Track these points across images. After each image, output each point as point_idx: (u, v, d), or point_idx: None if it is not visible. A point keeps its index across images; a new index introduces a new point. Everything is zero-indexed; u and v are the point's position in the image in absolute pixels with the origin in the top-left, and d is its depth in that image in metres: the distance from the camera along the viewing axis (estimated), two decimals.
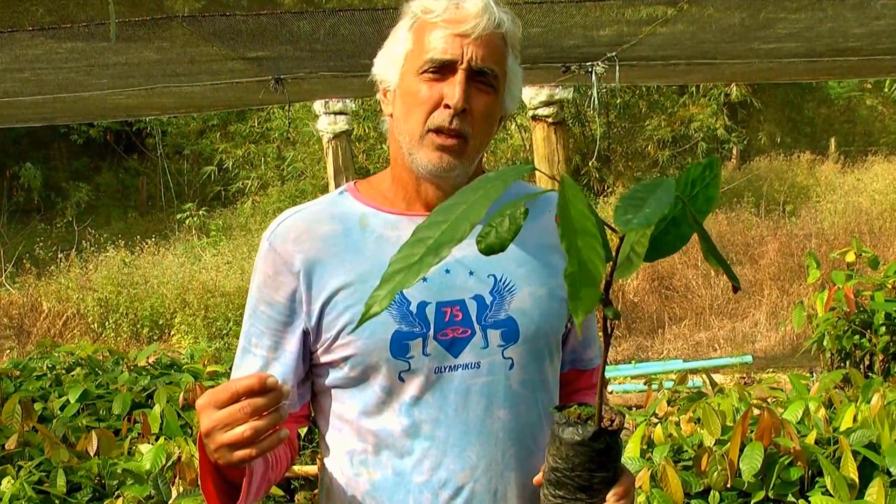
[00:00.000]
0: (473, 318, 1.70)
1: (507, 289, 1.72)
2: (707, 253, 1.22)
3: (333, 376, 1.74)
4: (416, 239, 1.08)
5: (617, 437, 1.50)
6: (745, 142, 19.16)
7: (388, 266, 1.09)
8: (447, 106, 1.65)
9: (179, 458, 3.46)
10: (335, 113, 7.72)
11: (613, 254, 1.29)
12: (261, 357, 1.76)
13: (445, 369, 1.68)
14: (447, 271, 1.70)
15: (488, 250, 1.16)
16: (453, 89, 1.64)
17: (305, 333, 1.73)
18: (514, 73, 1.75)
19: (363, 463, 1.73)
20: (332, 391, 1.76)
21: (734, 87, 16.65)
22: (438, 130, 1.66)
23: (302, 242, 1.72)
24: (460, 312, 1.69)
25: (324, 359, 1.74)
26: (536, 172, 7.64)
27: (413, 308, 1.68)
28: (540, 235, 1.75)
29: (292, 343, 1.74)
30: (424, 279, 1.69)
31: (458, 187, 1.65)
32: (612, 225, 1.25)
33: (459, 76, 1.65)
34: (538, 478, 1.65)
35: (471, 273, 1.71)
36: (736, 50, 5.71)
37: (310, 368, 1.79)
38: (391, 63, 1.74)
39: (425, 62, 1.66)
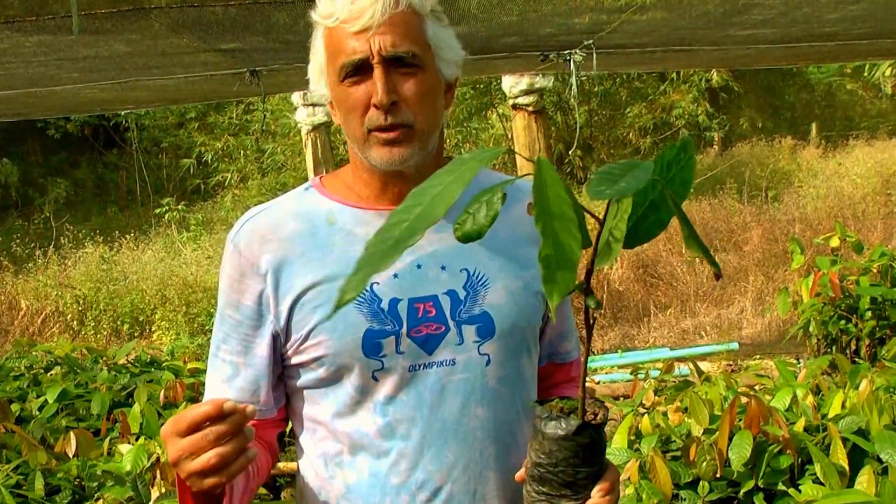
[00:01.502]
0: (447, 314, 1.65)
1: (480, 283, 1.68)
2: (688, 239, 1.19)
3: (305, 378, 1.69)
4: (390, 223, 1.05)
5: (601, 430, 1.46)
6: (727, 128, 19.20)
7: (364, 250, 1.05)
8: (376, 106, 1.59)
9: (159, 458, 3.40)
10: (313, 104, 7.65)
11: (593, 241, 1.25)
12: (230, 363, 1.72)
13: (420, 367, 1.64)
14: (418, 266, 1.66)
15: (466, 238, 1.13)
16: (374, 88, 1.59)
17: (275, 336, 1.69)
18: (439, 38, 1.67)
19: (338, 465, 1.69)
20: (304, 392, 1.72)
21: (714, 73, 16.67)
22: (378, 129, 1.61)
23: (267, 242, 1.67)
24: (433, 308, 1.65)
25: (294, 360, 1.69)
26: (518, 159, 7.60)
27: (384, 305, 1.63)
28: (512, 227, 1.70)
29: (262, 347, 1.70)
30: (395, 275, 1.65)
31: (425, 174, 1.59)
32: (592, 210, 1.21)
33: (377, 72, 1.59)
34: (520, 474, 1.60)
35: (443, 268, 1.67)
36: (712, 36, 5.71)
37: (281, 371, 1.74)
38: (318, 75, 1.69)
39: (340, 69, 1.61)
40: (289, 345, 1.68)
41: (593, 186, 1.06)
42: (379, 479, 1.65)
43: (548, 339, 1.87)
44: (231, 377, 1.71)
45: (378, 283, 1.63)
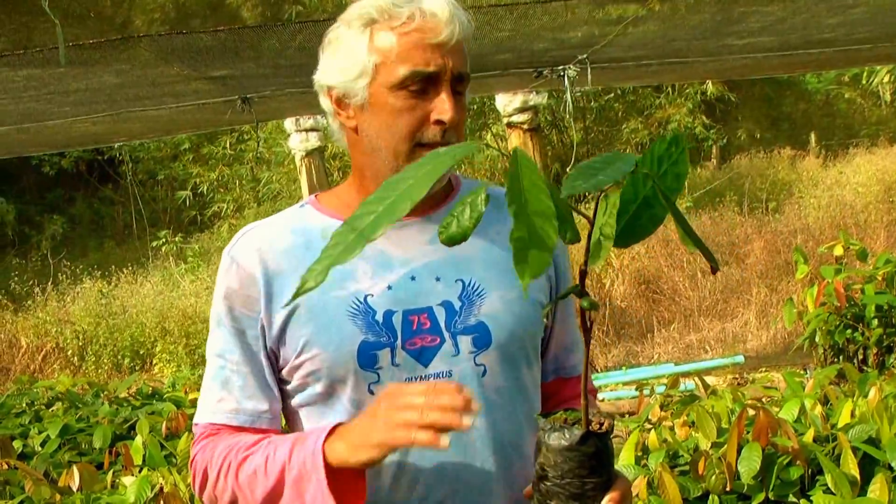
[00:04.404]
0: (442, 325, 1.63)
1: (476, 293, 1.66)
2: (683, 234, 1.16)
3: (300, 395, 1.67)
4: (358, 213, 1.04)
5: (606, 439, 1.42)
6: (725, 140, 19.16)
7: (330, 239, 1.04)
8: (439, 122, 1.59)
9: (163, 489, 3.37)
10: (307, 130, 7.65)
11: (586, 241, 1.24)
12: (237, 373, 1.68)
13: (416, 379, 1.61)
14: (412, 278, 1.64)
15: (450, 241, 1.12)
16: (443, 104, 1.59)
17: (272, 352, 1.67)
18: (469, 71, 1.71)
19: None
20: (300, 412, 1.69)
21: (710, 84, 16.65)
22: (430, 145, 1.60)
23: (263, 255, 1.66)
24: (428, 320, 1.63)
25: (288, 377, 1.67)
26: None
27: (379, 317, 1.61)
28: (506, 237, 1.66)
29: (266, 361, 1.68)
30: (389, 287, 1.63)
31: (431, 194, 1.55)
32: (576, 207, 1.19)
33: (445, 89, 1.60)
34: (528, 489, 1.58)
35: (437, 279, 1.65)
36: (709, 47, 5.68)
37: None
38: (356, 74, 1.63)
39: (408, 76, 1.58)
40: (282, 361, 1.66)
41: (569, 181, 1.05)
42: (380, 497, 1.61)
43: (552, 353, 1.86)
44: (242, 386, 1.68)
45: (372, 296, 1.62)
